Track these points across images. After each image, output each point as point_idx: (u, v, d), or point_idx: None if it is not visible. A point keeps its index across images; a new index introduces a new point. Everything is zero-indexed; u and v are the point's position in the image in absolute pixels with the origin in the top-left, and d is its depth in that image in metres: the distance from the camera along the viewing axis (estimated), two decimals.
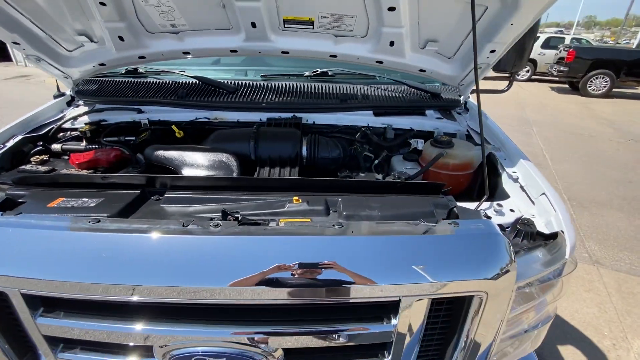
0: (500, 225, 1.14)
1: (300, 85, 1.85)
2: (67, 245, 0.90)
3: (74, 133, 1.71)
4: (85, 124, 1.71)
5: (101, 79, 1.97)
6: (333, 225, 0.97)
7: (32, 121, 1.69)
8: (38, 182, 1.28)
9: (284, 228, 0.97)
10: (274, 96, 1.74)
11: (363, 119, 1.75)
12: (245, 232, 0.92)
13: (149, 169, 1.48)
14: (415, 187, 1.28)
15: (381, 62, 1.70)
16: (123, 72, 1.99)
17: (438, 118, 1.83)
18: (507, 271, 0.94)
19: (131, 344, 0.97)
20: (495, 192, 1.43)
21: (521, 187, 1.36)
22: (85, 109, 1.82)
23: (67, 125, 1.72)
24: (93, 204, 1.14)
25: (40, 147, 1.58)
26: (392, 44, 1.57)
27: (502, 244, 0.96)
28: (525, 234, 1.14)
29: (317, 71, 1.92)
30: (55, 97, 1.90)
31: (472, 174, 1.61)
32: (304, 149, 1.55)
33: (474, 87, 1.37)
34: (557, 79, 11.45)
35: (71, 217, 1.00)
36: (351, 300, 0.91)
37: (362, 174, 1.55)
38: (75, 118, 1.74)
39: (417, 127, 1.76)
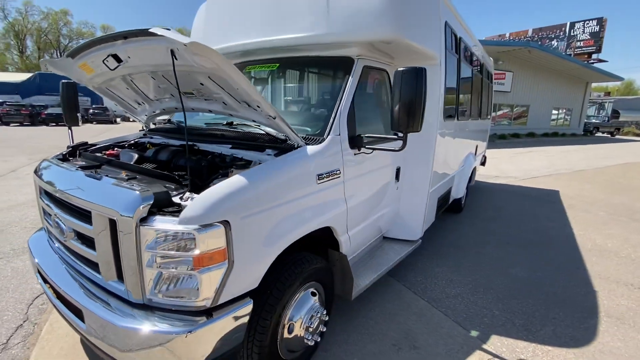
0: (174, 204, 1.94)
1: (215, 128, 3.04)
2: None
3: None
4: (134, 142, 3.54)
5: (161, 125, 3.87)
6: (96, 177, 2.17)
7: (122, 138, 3.68)
8: (88, 157, 3.09)
9: (97, 177, 2.24)
10: (193, 133, 3.02)
11: (222, 149, 2.72)
12: (78, 170, 2.28)
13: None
14: (160, 176, 2.22)
15: (232, 115, 2.67)
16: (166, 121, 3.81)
17: (268, 154, 2.54)
18: (130, 216, 1.81)
19: None
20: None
21: None
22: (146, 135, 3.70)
23: (132, 142, 3.62)
24: (81, 162, 2.78)
25: (111, 148, 3.49)
26: (225, 104, 2.55)
27: (129, 198, 1.84)
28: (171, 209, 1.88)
29: (227, 122, 3.06)
30: (140, 130, 3.92)
31: None
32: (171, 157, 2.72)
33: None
34: None
35: (65, 164, 2.65)
36: (78, 205, 2.07)
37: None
38: (134, 140, 3.62)
39: (248, 158, 2.56)
